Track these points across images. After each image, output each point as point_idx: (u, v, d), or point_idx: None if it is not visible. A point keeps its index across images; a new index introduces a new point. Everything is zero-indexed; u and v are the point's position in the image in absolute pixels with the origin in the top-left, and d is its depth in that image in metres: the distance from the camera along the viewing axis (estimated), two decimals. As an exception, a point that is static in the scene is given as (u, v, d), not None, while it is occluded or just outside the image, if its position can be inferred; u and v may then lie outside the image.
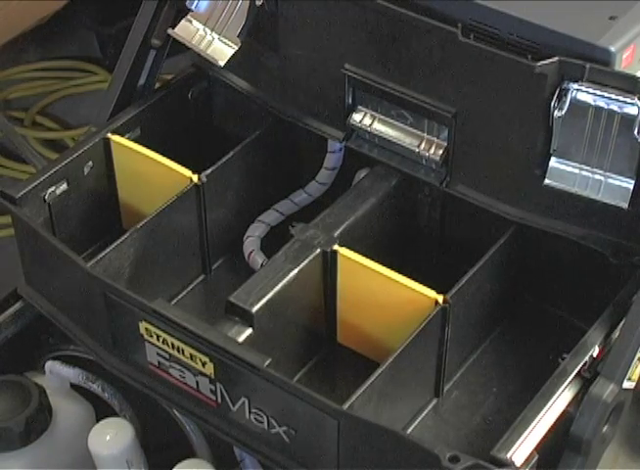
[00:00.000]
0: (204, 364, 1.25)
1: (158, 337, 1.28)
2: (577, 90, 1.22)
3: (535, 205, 1.33)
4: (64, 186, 1.46)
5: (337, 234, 1.38)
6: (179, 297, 1.52)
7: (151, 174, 1.49)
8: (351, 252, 1.35)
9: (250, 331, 1.29)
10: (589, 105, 1.22)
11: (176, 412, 1.42)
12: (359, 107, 1.43)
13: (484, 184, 1.36)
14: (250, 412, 1.25)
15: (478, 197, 1.37)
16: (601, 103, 1.22)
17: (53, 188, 1.45)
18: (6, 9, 2.44)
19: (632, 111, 1.21)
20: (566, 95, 1.23)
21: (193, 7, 1.45)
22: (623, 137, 1.23)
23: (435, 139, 1.38)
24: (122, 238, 1.40)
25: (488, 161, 1.34)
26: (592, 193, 1.27)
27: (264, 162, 1.57)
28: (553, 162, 1.28)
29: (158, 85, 1.62)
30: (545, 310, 1.48)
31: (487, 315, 1.42)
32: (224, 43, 1.45)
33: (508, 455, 1.14)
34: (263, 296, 1.30)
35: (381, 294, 1.33)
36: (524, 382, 1.38)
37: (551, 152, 1.27)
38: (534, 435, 1.17)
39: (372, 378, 1.21)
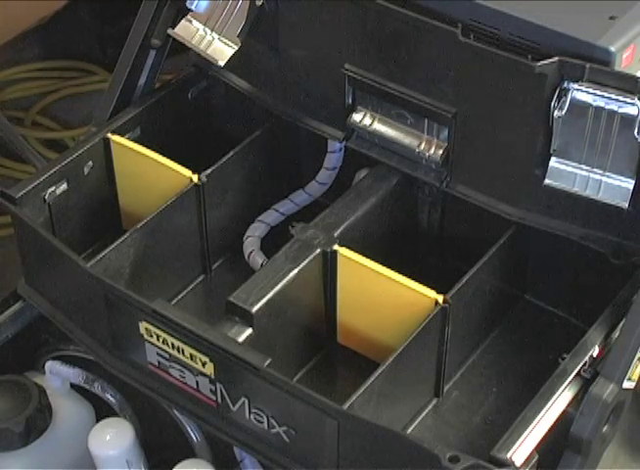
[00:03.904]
0: (204, 364, 1.25)
1: (158, 337, 1.28)
2: (577, 90, 1.22)
3: (535, 205, 1.33)
4: (64, 186, 1.46)
5: (337, 234, 1.38)
6: (179, 297, 1.52)
7: (151, 174, 1.49)
8: (351, 252, 1.35)
9: (250, 331, 1.29)
10: (589, 105, 1.22)
11: (176, 412, 1.42)
12: (359, 107, 1.43)
13: (484, 184, 1.36)
14: (250, 412, 1.25)
15: (478, 197, 1.37)
16: (601, 103, 1.22)
17: (53, 188, 1.45)
18: (6, 9, 2.44)
19: (632, 111, 1.21)
20: (566, 95, 1.23)
21: (193, 7, 1.45)
22: (623, 137, 1.23)
23: (435, 139, 1.38)
24: (122, 238, 1.40)
25: (488, 161, 1.34)
26: (592, 193, 1.27)
27: (264, 162, 1.57)
28: (553, 162, 1.28)
29: (158, 85, 1.62)
30: (545, 310, 1.48)
31: (487, 315, 1.42)
32: (224, 43, 1.45)
33: (508, 455, 1.14)
34: (263, 296, 1.30)
35: (381, 294, 1.33)
36: (524, 382, 1.38)
37: (551, 152, 1.27)
38: (534, 435, 1.17)
39: (372, 378, 1.21)
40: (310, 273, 1.35)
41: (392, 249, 1.47)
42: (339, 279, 1.37)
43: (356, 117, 1.43)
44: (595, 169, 1.26)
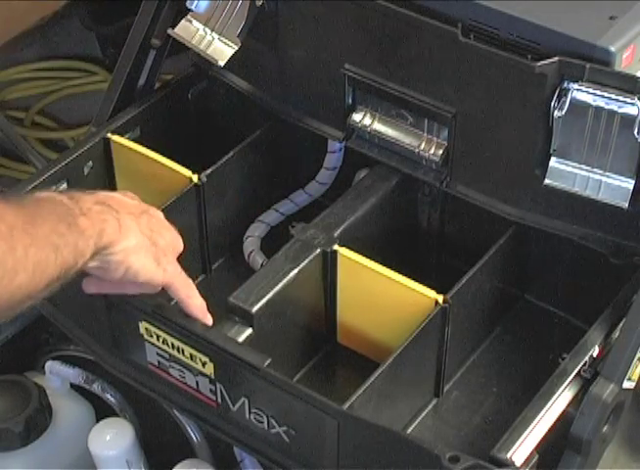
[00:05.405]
0: (204, 364, 1.25)
1: (158, 337, 1.28)
2: (577, 90, 1.22)
3: (535, 205, 1.33)
4: (64, 186, 1.46)
5: (337, 234, 1.38)
6: (179, 297, 1.52)
7: (151, 174, 1.49)
8: (351, 252, 1.35)
9: (250, 331, 1.29)
10: (589, 105, 1.22)
11: (176, 412, 1.42)
12: (359, 107, 1.43)
13: (484, 184, 1.36)
14: (250, 412, 1.25)
15: (478, 197, 1.37)
16: (601, 103, 1.22)
17: (53, 188, 1.45)
18: (6, 9, 2.44)
19: (632, 111, 1.21)
20: (566, 95, 1.23)
21: (193, 7, 1.45)
22: (623, 137, 1.23)
23: (435, 139, 1.38)
24: (122, 238, 1.39)
25: (488, 161, 1.34)
26: (592, 193, 1.27)
27: (264, 162, 1.57)
28: (553, 162, 1.28)
29: (158, 85, 1.62)
30: (545, 310, 1.48)
31: (487, 315, 1.42)
32: (224, 43, 1.45)
33: (508, 455, 1.14)
34: (263, 296, 1.30)
35: (381, 294, 1.33)
36: (524, 382, 1.38)
37: (551, 152, 1.27)
38: (534, 435, 1.17)
39: (372, 378, 1.21)
40: (310, 273, 1.35)
41: (392, 249, 1.47)
42: (339, 279, 1.37)
43: (356, 117, 1.43)
44: (595, 169, 1.26)
